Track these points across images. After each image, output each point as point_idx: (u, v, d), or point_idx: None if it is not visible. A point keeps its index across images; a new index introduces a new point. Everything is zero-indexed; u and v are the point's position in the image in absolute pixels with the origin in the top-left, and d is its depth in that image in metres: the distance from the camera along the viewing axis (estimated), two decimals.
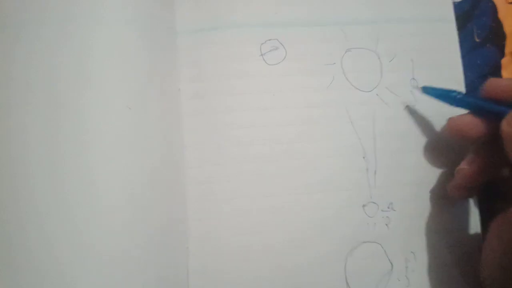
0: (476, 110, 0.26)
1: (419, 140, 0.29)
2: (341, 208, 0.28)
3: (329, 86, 0.29)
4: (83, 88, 0.25)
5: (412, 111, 0.30)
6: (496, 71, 0.31)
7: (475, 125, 0.25)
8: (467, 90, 0.30)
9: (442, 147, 0.29)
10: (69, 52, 0.26)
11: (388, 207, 0.29)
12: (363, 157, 0.29)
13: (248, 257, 0.27)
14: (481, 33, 0.32)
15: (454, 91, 0.27)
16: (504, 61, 0.32)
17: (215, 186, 0.28)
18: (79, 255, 0.24)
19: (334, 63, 0.30)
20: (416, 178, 0.29)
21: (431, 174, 0.29)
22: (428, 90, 0.28)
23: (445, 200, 0.29)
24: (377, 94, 0.30)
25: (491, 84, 0.25)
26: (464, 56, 0.31)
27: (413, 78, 0.30)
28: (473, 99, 0.26)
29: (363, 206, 0.28)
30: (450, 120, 0.26)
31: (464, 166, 0.26)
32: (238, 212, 0.28)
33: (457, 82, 0.30)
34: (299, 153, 0.29)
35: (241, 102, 0.29)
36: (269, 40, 0.30)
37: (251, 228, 0.28)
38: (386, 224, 0.28)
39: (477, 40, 0.32)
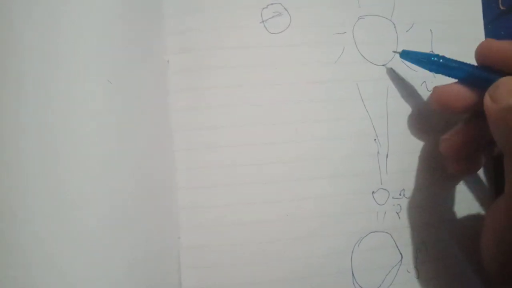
0: (462, 77, 0.23)
1: (437, 121, 0.26)
2: (348, 195, 0.26)
3: (338, 59, 0.26)
4: (49, 62, 0.22)
5: (429, 88, 0.26)
6: None
7: (462, 95, 0.23)
8: None
9: None
10: (32, 18, 0.22)
11: (400, 194, 0.26)
12: (374, 139, 0.26)
13: (248, 248, 0.25)
14: None
15: (435, 55, 0.24)
16: None
17: (207, 170, 0.25)
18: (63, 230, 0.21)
19: (345, 32, 0.26)
20: (431, 163, 0.26)
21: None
22: (407, 55, 0.25)
23: (461, 187, 0.26)
24: (391, 68, 0.26)
25: (485, 46, 0.23)
26: (487, 26, 0.28)
27: (432, 51, 0.27)
28: (457, 64, 0.23)
29: (373, 193, 0.26)
30: (435, 90, 0.24)
31: (447, 136, 0.24)
32: (236, 202, 0.25)
33: None
34: (304, 135, 0.26)
35: (237, 76, 0.25)
36: (272, 4, 0.26)
37: (250, 219, 0.25)
38: (397, 213, 0.26)
39: (502, 7, 0.29)
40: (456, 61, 0.24)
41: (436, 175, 0.26)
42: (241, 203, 0.25)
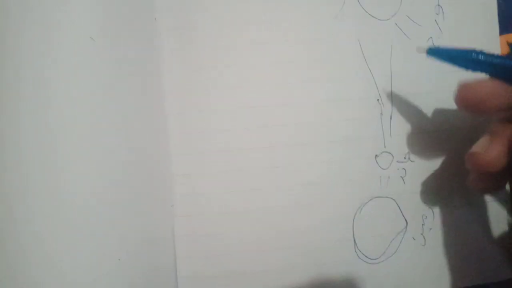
0: (504, 74, 0.19)
1: (443, 80, 0.25)
2: (350, 159, 0.24)
3: (338, 13, 0.24)
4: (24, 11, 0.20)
5: (436, 44, 0.25)
6: None
7: (498, 94, 0.19)
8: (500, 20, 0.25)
9: None
10: None
11: (405, 158, 0.25)
12: (377, 100, 0.25)
13: (247, 217, 0.24)
14: None
15: (474, 51, 0.20)
16: None
17: (203, 136, 0.24)
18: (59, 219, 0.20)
19: None
20: (438, 124, 0.25)
21: (455, 120, 0.25)
22: (435, 52, 0.21)
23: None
24: (395, 24, 0.25)
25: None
26: None
27: (438, 5, 0.25)
28: (502, 60, 0.20)
29: (376, 156, 0.25)
30: (462, 87, 0.20)
31: (477, 149, 0.20)
32: (233, 168, 0.24)
33: (489, 10, 0.25)
34: (302, 96, 0.24)
35: (232, 34, 0.24)
36: None
37: (247, 186, 0.24)
38: (402, 177, 0.25)
39: None
40: (500, 57, 0.20)
41: (444, 136, 0.25)
42: (237, 169, 0.24)
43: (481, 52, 0.20)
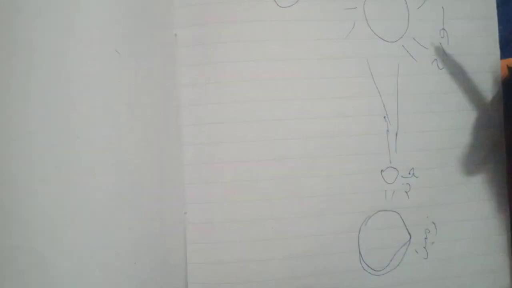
0: None
1: (448, 100, 0.26)
2: (356, 173, 0.25)
3: (348, 34, 0.26)
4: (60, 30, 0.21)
5: (441, 66, 0.26)
6: None
7: None
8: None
9: (473, 109, 0.26)
10: None
11: (409, 173, 0.26)
12: (384, 117, 0.26)
13: (255, 226, 0.24)
14: None
15: None
16: None
17: (215, 146, 0.25)
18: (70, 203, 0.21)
19: (356, 8, 0.26)
20: (441, 142, 0.26)
21: (458, 139, 0.26)
22: None
23: (472, 168, 0.26)
24: (402, 46, 0.26)
25: None
26: (499, 7, 0.27)
27: (443, 29, 0.26)
28: None
29: (382, 171, 0.26)
30: None
31: None
32: (244, 178, 0.25)
33: (490, 35, 0.27)
34: (311, 112, 0.25)
35: (246, 50, 0.25)
36: None
37: (258, 196, 0.24)
38: (406, 192, 0.26)
39: None
40: None
41: (447, 153, 0.26)
42: (248, 179, 0.25)
43: None
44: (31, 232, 0.21)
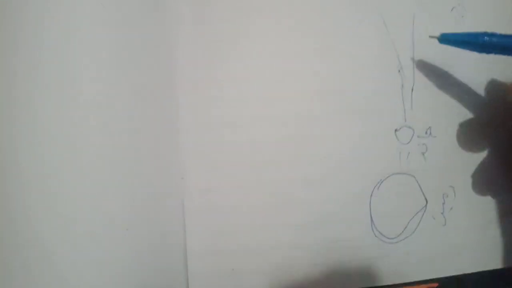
0: None
1: (467, 52, 0.23)
2: (368, 133, 0.23)
3: None
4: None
5: (461, 12, 0.23)
6: None
7: None
8: None
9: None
10: None
11: (426, 133, 0.23)
12: (398, 71, 0.23)
13: (258, 191, 0.22)
14: None
15: (484, 34, 0.20)
16: None
17: (212, 113, 0.22)
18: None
19: None
20: (462, 98, 0.24)
21: (480, 94, 0.24)
22: (447, 39, 0.21)
23: (493, 128, 0.24)
24: None
25: None
26: None
27: None
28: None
29: (396, 131, 0.23)
30: None
31: None
32: (245, 141, 0.22)
33: None
34: (319, 67, 0.23)
35: (248, 27, 0.22)
36: None
37: (260, 160, 0.22)
38: (423, 153, 0.23)
39: None
40: (509, 37, 0.20)
41: (467, 112, 0.24)
42: (249, 142, 0.23)
43: (493, 34, 0.20)
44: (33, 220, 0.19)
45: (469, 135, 0.24)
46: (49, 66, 0.19)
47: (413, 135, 0.23)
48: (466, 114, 0.24)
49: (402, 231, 0.23)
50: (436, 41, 0.23)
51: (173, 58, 0.22)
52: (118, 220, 0.20)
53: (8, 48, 0.19)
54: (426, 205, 0.23)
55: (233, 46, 0.22)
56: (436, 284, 0.23)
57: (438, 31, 0.23)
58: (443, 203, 0.24)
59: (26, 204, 0.19)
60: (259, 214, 0.22)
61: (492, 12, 0.24)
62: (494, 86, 0.23)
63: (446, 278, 0.23)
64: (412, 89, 0.23)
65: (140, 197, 0.21)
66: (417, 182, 0.23)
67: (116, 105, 0.20)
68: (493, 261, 0.24)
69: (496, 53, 0.20)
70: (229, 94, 0.22)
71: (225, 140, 0.22)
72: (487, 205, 0.24)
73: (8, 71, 0.19)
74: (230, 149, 0.22)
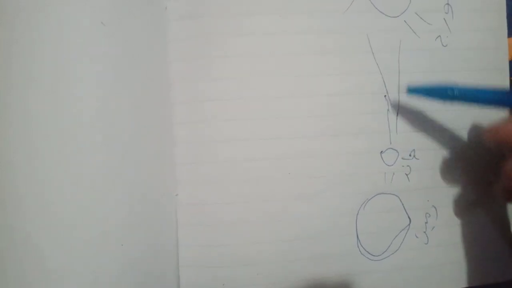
0: (486, 104, 0.21)
1: (451, 78, 0.25)
2: (355, 154, 0.24)
3: (348, 8, 0.24)
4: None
5: (444, 43, 0.25)
6: None
7: None
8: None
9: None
10: None
11: (410, 155, 0.25)
12: (384, 96, 0.24)
13: (250, 207, 0.23)
14: None
15: (450, 87, 0.21)
16: None
17: (207, 125, 0.24)
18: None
19: None
20: (444, 122, 0.25)
21: (462, 120, 0.25)
22: (415, 90, 0.23)
23: (475, 149, 0.25)
24: (404, 21, 0.25)
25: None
26: None
27: (448, 4, 0.25)
28: (476, 92, 0.21)
29: (381, 152, 0.24)
30: (491, 130, 0.21)
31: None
32: (237, 157, 0.23)
33: (498, 10, 0.25)
34: (309, 89, 0.24)
35: (241, 24, 0.24)
36: None
37: (251, 176, 0.23)
38: (406, 174, 0.25)
39: None
40: (473, 90, 0.21)
41: (449, 134, 0.25)
42: (242, 159, 0.24)
43: (455, 88, 0.21)
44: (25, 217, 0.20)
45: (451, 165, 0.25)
46: (42, 67, 0.20)
47: (397, 157, 0.25)
48: (448, 139, 0.25)
49: (387, 249, 0.24)
50: (420, 67, 0.25)
51: (167, 73, 0.24)
52: (112, 235, 0.21)
53: (2, 51, 0.20)
54: (409, 224, 0.25)
55: (227, 50, 0.24)
56: None
57: (423, 57, 0.25)
58: (426, 222, 0.25)
59: (21, 210, 0.20)
60: (251, 229, 0.23)
61: (476, 42, 0.25)
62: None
63: None
64: (397, 114, 0.25)
65: (134, 210, 0.22)
66: (401, 201, 0.25)
67: (111, 123, 0.21)
68: (473, 279, 0.25)
69: (462, 103, 0.22)
70: (224, 111, 0.24)
71: (218, 156, 0.24)
72: (468, 225, 0.25)
73: (2, 74, 0.20)
74: (223, 165, 0.24)
